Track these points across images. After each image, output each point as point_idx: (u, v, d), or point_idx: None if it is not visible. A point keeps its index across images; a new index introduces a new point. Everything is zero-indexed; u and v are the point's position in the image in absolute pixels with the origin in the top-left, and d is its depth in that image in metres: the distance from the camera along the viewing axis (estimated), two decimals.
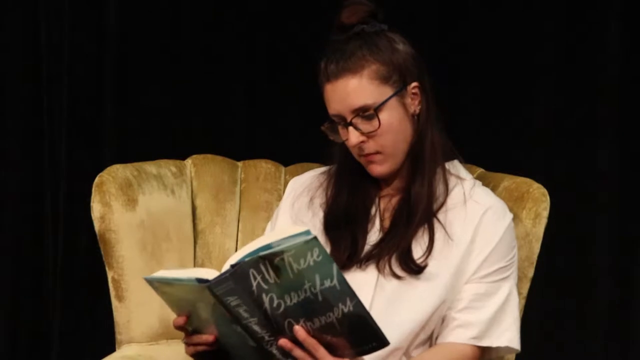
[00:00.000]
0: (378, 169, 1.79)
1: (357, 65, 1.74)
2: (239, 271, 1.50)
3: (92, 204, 1.90)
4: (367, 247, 1.80)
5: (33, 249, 2.86)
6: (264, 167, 2.08)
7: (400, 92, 1.77)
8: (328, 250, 1.73)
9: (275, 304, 1.52)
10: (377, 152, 1.78)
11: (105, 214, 1.87)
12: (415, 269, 1.76)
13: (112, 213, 1.87)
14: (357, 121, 1.75)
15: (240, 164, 2.08)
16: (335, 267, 1.51)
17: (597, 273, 2.78)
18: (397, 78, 1.76)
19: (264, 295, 1.52)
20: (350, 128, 1.75)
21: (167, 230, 1.92)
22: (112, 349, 2.01)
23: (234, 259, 1.53)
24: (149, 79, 2.75)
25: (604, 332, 2.80)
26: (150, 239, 1.90)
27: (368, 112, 1.74)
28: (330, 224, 1.83)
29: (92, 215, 1.90)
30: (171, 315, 1.80)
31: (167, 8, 2.75)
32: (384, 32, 1.78)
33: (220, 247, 1.99)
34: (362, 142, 1.76)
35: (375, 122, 1.74)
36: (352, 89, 1.74)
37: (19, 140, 2.85)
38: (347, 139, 1.77)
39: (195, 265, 1.97)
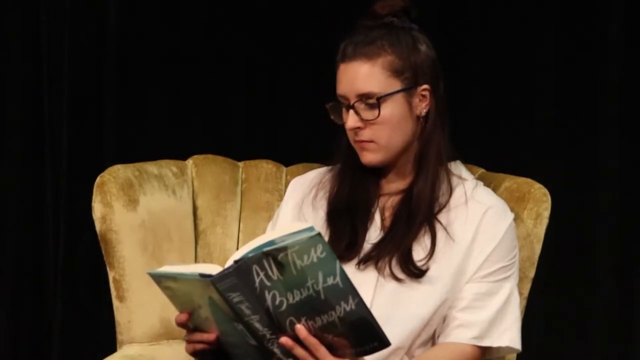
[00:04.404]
0: (368, 156, 1.80)
1: (374, 52, 1.76)
2: (242, 267, 1.50)
3: (93, 204, 1.90)
4: (366, 246, 1.80)
5: (34, 249, 2.86)
6: (265, 167, 2.08)
7: (408, 89, 1.77)
8: (327, 240, 1.74)
9: (277, 302, 1.52)
10: (371, 141, 1.79)
11: (106, 214, 1.87)
12: (416, 272, 1.76)
13: (113, 213, 1.87)
14: (359, 106, 1.76)
15: (241, 164, 2.08)
16: (338, 264, 1.51)
17: (598, 273, 2.78)
18: (409, 75, 1.77)
19: (266, 292, 1.52)
20: (351, 111, 1.77)
21: (168, 230, 1.92)
22: (112, 349, 2.01)
23: (237, 254, 1.53)
24: (149, 79, 2.75)
25: (606, 333, 2.80)
26: (151, 239, 1.90)
27: (371, 100, 1.75)
28: (331, 217, 1.84)
29: (93, 215, 1.90)
30: (172, 316, 1.80)
31: (167, 8, 2.75)
32: (411, 29, 1.80)
33: (221, 247, 1.99)
34: (359, 127, 1.77)
35: (375, 112, 1.76)
36: (363, 74, 1.75)
37: (20, 140, 2.86)
38: (346, 122, 1.78)
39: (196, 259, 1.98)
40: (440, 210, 1.80)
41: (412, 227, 1.79)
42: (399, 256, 1.77)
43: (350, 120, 1.78)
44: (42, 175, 2.84)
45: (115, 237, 1.87)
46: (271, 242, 1.51)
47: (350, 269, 1.77)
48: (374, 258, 1.78)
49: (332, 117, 1.82)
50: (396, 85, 1.77)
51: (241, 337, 1.58)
